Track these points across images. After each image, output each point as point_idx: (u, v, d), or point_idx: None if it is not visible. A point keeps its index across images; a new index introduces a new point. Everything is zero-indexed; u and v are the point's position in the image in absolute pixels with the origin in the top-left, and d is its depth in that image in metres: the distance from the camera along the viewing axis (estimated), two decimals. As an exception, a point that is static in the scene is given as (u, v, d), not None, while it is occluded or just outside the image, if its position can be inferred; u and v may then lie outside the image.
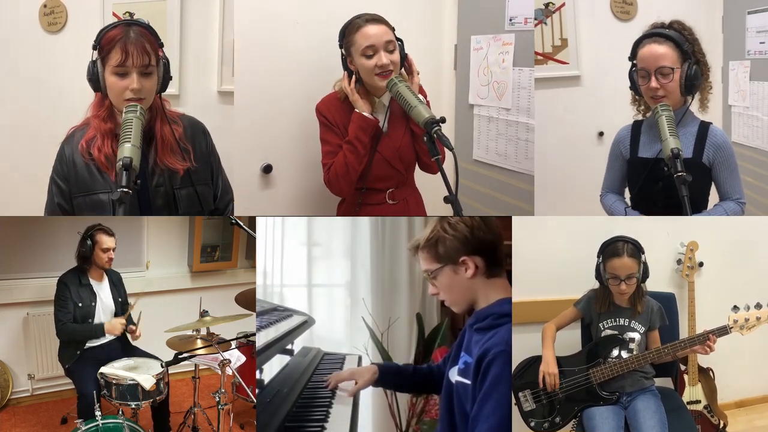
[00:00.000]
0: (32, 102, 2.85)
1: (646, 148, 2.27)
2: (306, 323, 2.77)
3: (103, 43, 1.96)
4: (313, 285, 3.28)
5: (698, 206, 2.23)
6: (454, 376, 1.69)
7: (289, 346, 2.55)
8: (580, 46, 3.20)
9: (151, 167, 2.06)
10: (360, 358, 2.82)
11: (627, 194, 2.44)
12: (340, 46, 2.38)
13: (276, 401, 1.99)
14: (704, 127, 2.22)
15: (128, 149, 1.80)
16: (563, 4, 3.16)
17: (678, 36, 2.16)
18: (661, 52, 2.14)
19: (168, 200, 2.09)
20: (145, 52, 1.96)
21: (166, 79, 2.05)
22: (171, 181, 2.09)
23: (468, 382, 1.59)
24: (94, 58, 1.99)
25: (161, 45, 2.05)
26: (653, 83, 2.14)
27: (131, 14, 2.03)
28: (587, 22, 3.20)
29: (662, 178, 2.17)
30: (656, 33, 2.17)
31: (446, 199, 1.97)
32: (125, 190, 1.72)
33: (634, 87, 2.25)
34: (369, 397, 2.90)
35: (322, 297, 3.28)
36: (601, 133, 3.26)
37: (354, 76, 2.36)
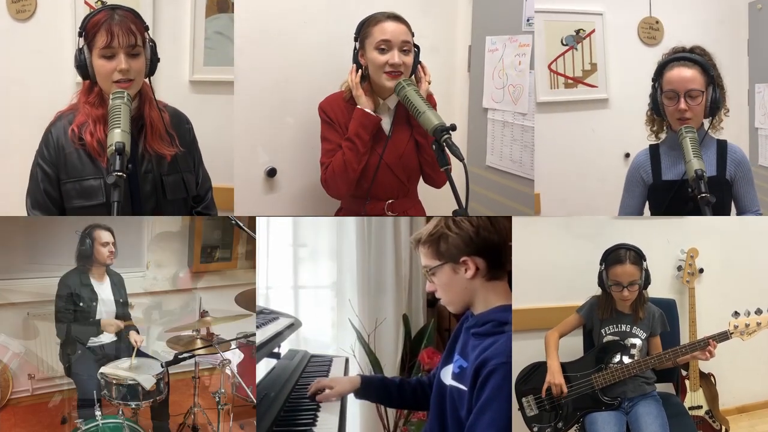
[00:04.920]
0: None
1: (670, 171, 2.30)
2: (292, 325, 2.75)
3: (88, 28, 1.98)
4: (299, 287, 3.25)
5: (722, 220, 2.27)
6: (447, 378, 1.67)
7: (275, 349, 2.54)
8: (608, 70, 3.26)
9: (140, 153, 2.08)
10: (347, 360, 2.79)
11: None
12: (355, 39, 2.33)
13: (263, 405, 1.98)
14: (722, 145, 2.28)
15: (119, 134, 1.82)
16: (593, 31, 3.23)
17: (704, 61, 2.21)
18: (690, 75, 2.18)
19: (156, 186, 2.12)
20: (131, 32, 1.97)
21: (154, 61, 2.06)
22: (159, 167, 2.12)
23: (463, 387, 1.57)
24: (80, 45, 1.99)
25: (147, 27, 2.05)
26: (682, 105, 2.17)
27: (103, 2, 2.03)
28: (616, 48, 3.25)
29: (692, 198, 2.19)
30: (684, 57, 2.22)
31: (456, 213, 1.88)
32: (120, 173, 1.75)
33: (655, 107, 2.28)
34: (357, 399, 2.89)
35: (308, 298, 3.26)
36: (627, 155, 3.23)
37: (361, 71, 2.31)
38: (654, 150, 2.36)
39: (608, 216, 2.73)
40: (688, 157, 2.08)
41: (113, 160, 1.77)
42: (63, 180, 2.05)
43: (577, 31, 3.21)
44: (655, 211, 2.37)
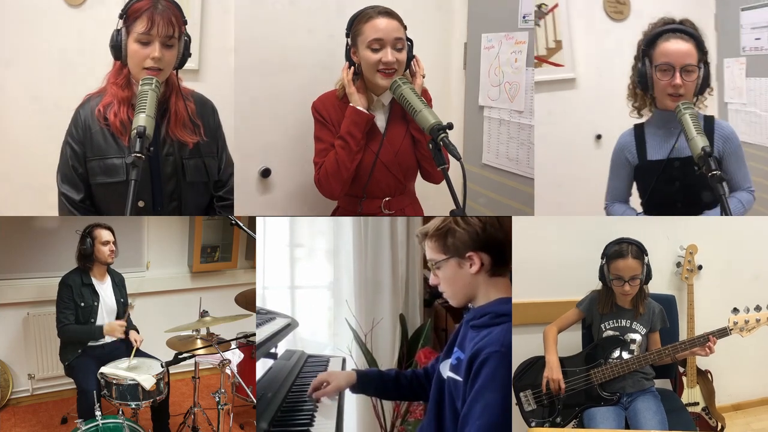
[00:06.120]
0: (53, 76, 2.74)
1: (656, 150, 2.24)
2: (289, 326, 2.75)
3: (130, 12, 2.06)
4: (296, 287, 3.26)
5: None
6: (445, 371, 1.69)
7: (272, 350, 2.55)
8: (574, 47, 3.17)
9: (162, 137, 2.16)
10: (344, 360, 2.80)
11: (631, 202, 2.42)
12: (347, 35, 2.28)
13: (261, 405, 1.99)
14: (709, 120, 2.20)
15: (143, 119, 1.90)
16: (556, 5, 3.12)
17: (699, 36, 2.12)
18: (687, 49, 2.10)
19: (176, 168, 2.19)
20: (170, 24, 2.06)
21: (185, 55, 2.15)
22: (180, 151, 2.19)
23: (459, 378, 1.59)
24: (118, 27, 2.08)
25: (185, 22, 2.14)
26: (678, 80, 2.10)
27: (151, -10, 2.11)
28: (581, 23, 3.16)
29: (678, 177, 2.16)
30: (681, 29, 2.12)
31: (453, 213, 1.83)
32: (139, 155, 1.82)
33: (642, 81, 2.18)
34: (354, 398, 2.88)
35: (305, 299, 3.27)
36: (599, 136, 3.22)
37: (354, 68, 2.27)
38: (639, 129, 2.29)
39: (605, 218, 2.71)
40: (690, 134, 1.98)
41: (134, 142, 1.84)
42: (89, 157, 2.14)
43: (539, 6, 3.08)
44: (643, 193, 2.31)
